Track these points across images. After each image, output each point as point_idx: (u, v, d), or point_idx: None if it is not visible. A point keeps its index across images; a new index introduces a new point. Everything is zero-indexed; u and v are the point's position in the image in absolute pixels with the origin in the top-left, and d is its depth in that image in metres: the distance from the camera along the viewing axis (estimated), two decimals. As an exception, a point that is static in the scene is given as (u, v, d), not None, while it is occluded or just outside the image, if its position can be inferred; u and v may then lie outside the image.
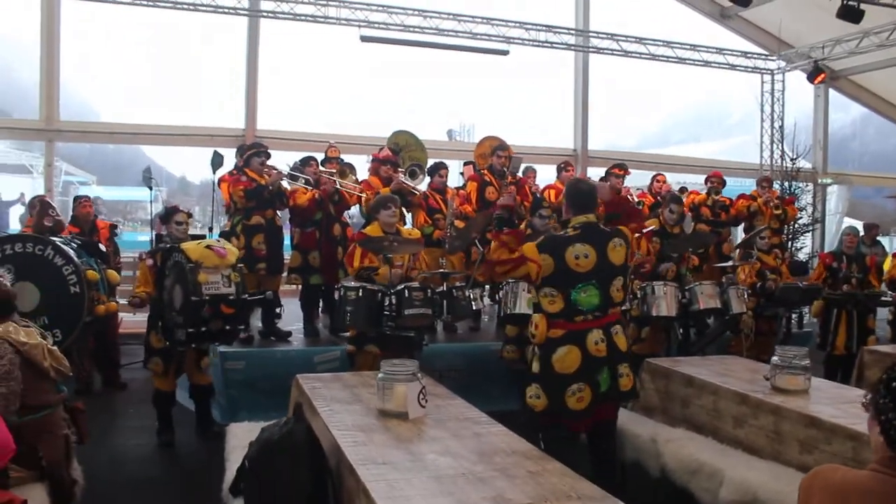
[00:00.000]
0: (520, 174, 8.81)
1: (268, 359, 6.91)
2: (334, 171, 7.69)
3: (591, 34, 14.67)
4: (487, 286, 8.14)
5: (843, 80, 16.83)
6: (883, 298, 8.46)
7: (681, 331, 7.32)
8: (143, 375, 8.55)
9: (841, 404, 4.15)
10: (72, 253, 6.23)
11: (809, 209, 15.04)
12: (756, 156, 16.41)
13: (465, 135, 19.65)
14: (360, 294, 5.50)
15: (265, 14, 12.62)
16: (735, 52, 15.62)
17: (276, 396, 5.75)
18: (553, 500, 2.67)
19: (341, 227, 7.64)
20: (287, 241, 7.98)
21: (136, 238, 17.18)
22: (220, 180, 7.80)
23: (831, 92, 17.10)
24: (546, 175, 10.63)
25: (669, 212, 7.47)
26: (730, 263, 8.02)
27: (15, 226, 13.48)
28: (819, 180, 16.53)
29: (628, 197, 9.01)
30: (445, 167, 8.54)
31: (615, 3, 15.98)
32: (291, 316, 7.91)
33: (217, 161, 8.38)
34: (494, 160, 8.37)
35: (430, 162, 9.10)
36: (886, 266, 8.92)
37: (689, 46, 15.03)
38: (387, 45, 13.32)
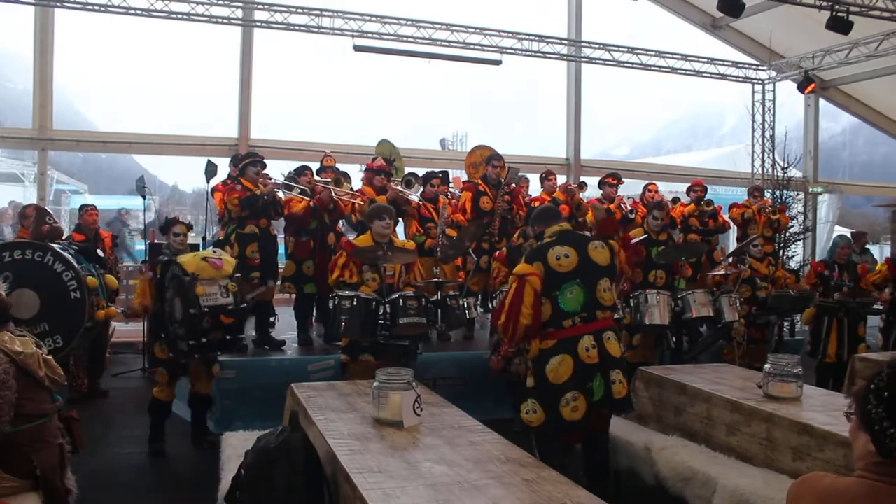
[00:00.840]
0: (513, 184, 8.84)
1: (262, 368, 6.90)
2: (329, 180, 7.70)
3: (583, 44, 14.75)
4: (480, 295, 8.17)
5: (833, 89, 16.97)
6: (874, 307, 8.52)
7: (674, 339, 7.37)
8: (134, 384, 8.56)
9: (832, 411, 4.18)
10: (71, 259, 6.25)
11: (800, 218, 15.12)
12: (748, 165, 16.52)
13: (458, 144, 19.71)
14: (355, 303, 5.50)
15: (259, 24, 12.66)
16: (726, 63, 15.74)
17: (270, 405, 5.75)
18: (548, 508, 2.69)
19: (336, 236, 7.64)
20: (281, 250, 7.99)
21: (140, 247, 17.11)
22: (214, 189, 7.83)
23: (822, 101, 17.24)
24: (539, 185, 10.66)
25: (653, 218, 7.52)
26: (721, 272, 8.07)
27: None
28: (810, 189, 16.63)
29: (620, 207, 9.08)
30: (437, 176, 8.58)
31: (607, 14, 16.09)
32: (285, 325, 7.91)
33: (211, 170, 8.40)
34: (490, 170, 8.41)
35: (421, 171, 9.11)
36: (877, 270, 8.98)
37: (680, 56, 15.13)
38: (380, 54, 13.37)
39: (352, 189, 8.01)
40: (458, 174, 10.40)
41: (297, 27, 12.56)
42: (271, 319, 7.58)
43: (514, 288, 4.26)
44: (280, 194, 7.48)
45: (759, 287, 8.14)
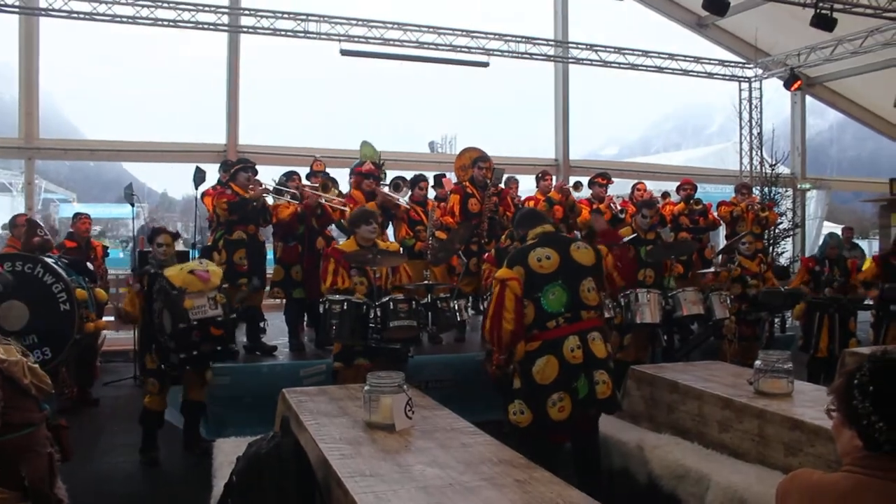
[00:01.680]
0: (502, 185, 8.85)
1: (253, 374, 6.87)
2: (317, 185, 7.68)
3: (570, 45, 14.79)
4: (472, 297, 8.16)
5: (820, 86, 17.07)
6: (865, 303, 8.55)
7: (665, 337, 7.37)
8: (125, 393, 8.52)
9: (823, 406, 4.18)
10: (61, 271, 6.23)
11: (789, 214, 15.19)
12: (736, 163, 16.59)
13: (447, 146, 19.71)
14: (345, 307, 5.48)
15: (245, 30, 12.64)
16: (713, 61, 15.80)
17: (262, 411, 5.71)
18: (540, 508, 2.68)
19: (325, 240, 7.63)
20: (270, 255, 7.96)
21: (119, 255, 17.07)
22: (204, 194, 7.81)
23: (808, 98, 17.35)
24: (528, 185, 10.68)
25: (642, 217, 7.53)
26: (711, 270, 8.08)
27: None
28: (798, 185, 16.71)
29: (610, 206, 9.09)
30: (425, 179, 8.57)
31: (593, 15, 16.14)
32: (276, 330, 7.88)
33: (199, 177, 8.37)
34: (476, 171, 8.41)
35: (411, 174, 9.10)
36: (865, 268, 9.03)
37: (667, 56, 15.19)
38: (367, 58, 13.37)
39: (340, 193, 7.99)
40: (451, 176, 10.40)
41: (283, 32, 12.55)
42: (262, 325, 7.56)
43: (496, 293, 4.26)
44: (269, 200, 7.46)
45: (750, 284, 8.16)
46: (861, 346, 8.05)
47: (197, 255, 7.33)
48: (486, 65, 13.82)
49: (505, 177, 9.19)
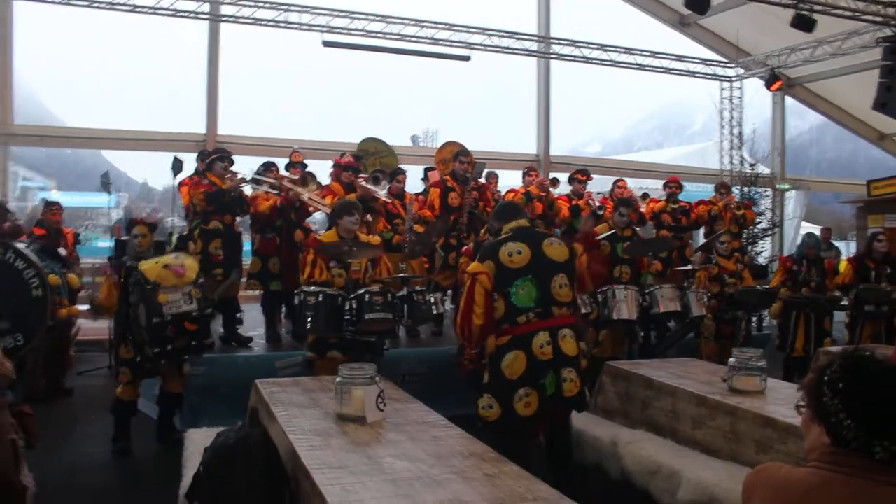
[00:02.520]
0: (482, 179, 8.84)
1: (229, 365, 6.82)
2: (296, 176, 7.63)
3: (552, 41, 14.78)
4: (449, 290, 8.15)
5: (800, 87, 17.18)
6: (841, 304, 8.61)
7: (642, 334, 7.39)
8: (100, 383, 8.44)
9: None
10: (33, 257, 6.15)
11: (768, 214, 15.28)
12: (717, 161, 16.66)
13: (429, 140, 19.65)
14: (320, 298, 5.45)
15: (225, 19, 12.53)
16: (694, 60, 15.87)
17: (237, 402, 5.65)
18: (509, 503, 2.67)
19: (304, 232, 7.58)
20: (247, 247, 7.90)
21: (98, 244, 16.92)
22: (181, 184, 7.75)
23: (788, 99, 17.47)
24: (508, 180, 10.67)
25: (619, 215, 7.53)
26: (689, 267, 8.11)
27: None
28: (777, 185, 16.83)
29: (589, 203, 9.10)
30: (403, 172, 8.54)
31: (576, 11, 16.14)
32: (253, 322, 7.84)
33: (177, 166, 8.29)
34: (457, 165, 8.38)
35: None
36: (842, 269, 9.09)
37: (649, 53, 15.22)
38: (349, 50, 13.30)
39: (319, 185, 7.93)
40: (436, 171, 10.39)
41: (264, 22, 12.45)
42: (238, 316, 7.51)
43: (467, 288, 4.26)
44: (248, 191, 7.40)
45: (727, 283, 8.20)
46: (836, 345, 8.11)
47: (173, 246, 7.26)
48: (467, 59, 13.78)
49: (485, 171, 9.18)
